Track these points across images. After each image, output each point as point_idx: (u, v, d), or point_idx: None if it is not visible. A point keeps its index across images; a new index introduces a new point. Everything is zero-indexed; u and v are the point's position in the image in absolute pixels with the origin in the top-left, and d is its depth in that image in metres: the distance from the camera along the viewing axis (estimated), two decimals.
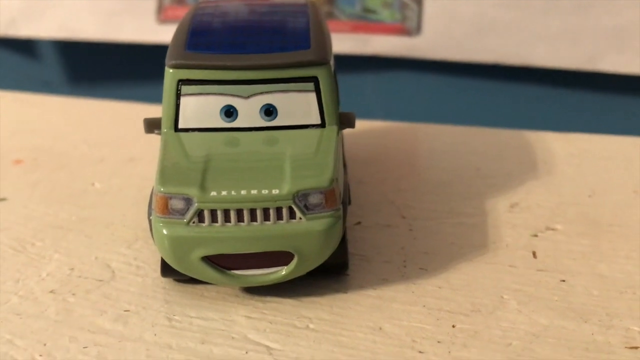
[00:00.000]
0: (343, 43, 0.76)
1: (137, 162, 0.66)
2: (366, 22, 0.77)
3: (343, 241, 0.49)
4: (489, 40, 0.74)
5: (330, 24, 0.71)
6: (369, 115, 0.73)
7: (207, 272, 0.47)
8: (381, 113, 0.78)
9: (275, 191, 0.46)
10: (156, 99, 0.66)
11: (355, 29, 0.77)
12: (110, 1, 0.80)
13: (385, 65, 0.78)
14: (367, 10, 0.77)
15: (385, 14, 0.76)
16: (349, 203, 0.52)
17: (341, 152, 0.53)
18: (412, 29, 0.75)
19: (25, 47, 0.87)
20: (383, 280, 0.50)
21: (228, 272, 0.47)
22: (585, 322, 0.47)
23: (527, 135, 0.70)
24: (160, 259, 0.50)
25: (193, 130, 0.50)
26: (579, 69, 0.73)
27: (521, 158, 0.66)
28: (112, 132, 0.72)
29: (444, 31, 0.75)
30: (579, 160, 0.65)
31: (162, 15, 0.80)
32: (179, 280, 0.50)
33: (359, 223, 0.56)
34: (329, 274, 0.50)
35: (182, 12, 0.79)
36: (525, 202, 0.59)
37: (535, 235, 0.55)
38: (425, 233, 0.55)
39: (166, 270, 0.49)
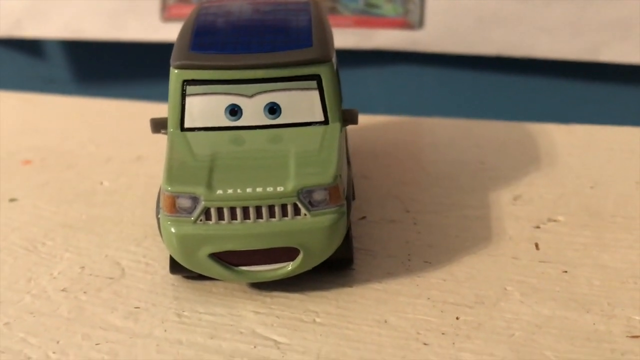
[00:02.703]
0: (346, 38, 0.77)
1: (144, 161, 0.67)
2: (369, 16, 0.77)
3: (348, 236, 0.50)
4: (491, 33, 0.74)
5: (333, 19, 0.71)
6: (372, 109, 0.74)
7: (214, 268, 0.48)
8: (384, 107, 0.78)
9: (280, 188, 0.46)
10: (161, 97, 0.66)
11: (358, 24, 0.77)
12: (115, 0, 0.81)
13: (388, 60, 0.79)
14: (369, 4, 0.77)
15: (388, 8, 0.77)
16: (353, 199, 0.53)
17: (345, 148, 0.53)
18: (414, 23, 0.76)
19: (30, 48, 0.88)
20: (388, 274, 0.51)
21: (235, 268, 0.48)
22: (587, 312, 0.48)
23: (530, 127, 0.70)
24: (168, 257, 0.50)
25: (199, 129, 0.51)
26: (581, 59, 0.73)
27: (524, 150, 0.66)
28: (119, 130, 0.73)
29: (447, 24, 0.75)
30: (581, 151, 0.66)
31: (166, 13, 0.81)
32: (187, 277, 0.51)
33: (363, 218, 0.57)
34: (335, 268, 0.51)
35: (186, 10, 0.79)
36: (528, 194, 0.59)
37: (538, 227, 0.56)
38: (429, 227, 0.55)
39: (175, 267, 0.50)
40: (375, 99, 0.81)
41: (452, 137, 0.69)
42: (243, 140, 0.50)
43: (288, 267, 0.48)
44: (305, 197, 0.47)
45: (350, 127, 0.59)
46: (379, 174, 0.63)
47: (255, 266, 0.48)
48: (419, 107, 0.78)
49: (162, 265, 0.52)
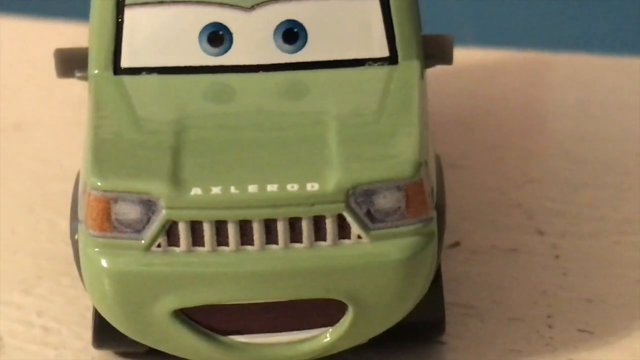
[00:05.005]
0: None
1: (27, 131, 0.68)
2: None
3: (437, 281, 0.49)
4: None
5: None
6: (457, 40, 0.74)
7: (184, 338, 0.48)
8: (476, 36, 0.80)
9: (311, 186, 0.46)
10: (78, 11, 0.66)
11: None
12: None
13: None
14: None
15: None
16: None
17: (428, 110, 0.53)
18: None
19: None
20: (511, 353, 0.51)
21: (224, 338, 0.48)
22: None
23: None
24: (92, 316, 0.50)
25: (149, 71, 0.52)
26: None
27: None
28: None
29: None
30: None
31: None
32: (126, 355, 0.51)
33: (456, 245, 0.57)
34: (410, 340, 0.51)
35: None
36: None
37: None
38: (584, 262, 0.56)
39: (103, 335, 0.50)
40: (460, 21, 0.82)
41: (607, 87, 0.70)
42: (234, 94, 0.52)
43: (324, 338, 0.48)
44: (362, 204, 0.47)
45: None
46: (479, 159, 0.63)
47: (262, 335, 0.48)
48: (535, 36, 0.80)
49: (76, 331, 0.53)
